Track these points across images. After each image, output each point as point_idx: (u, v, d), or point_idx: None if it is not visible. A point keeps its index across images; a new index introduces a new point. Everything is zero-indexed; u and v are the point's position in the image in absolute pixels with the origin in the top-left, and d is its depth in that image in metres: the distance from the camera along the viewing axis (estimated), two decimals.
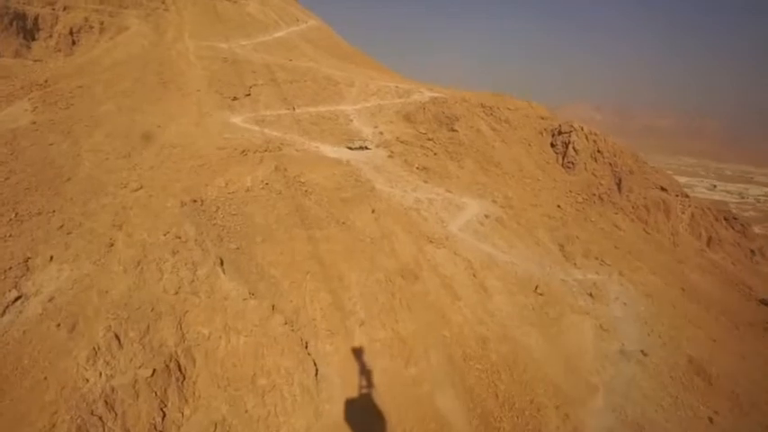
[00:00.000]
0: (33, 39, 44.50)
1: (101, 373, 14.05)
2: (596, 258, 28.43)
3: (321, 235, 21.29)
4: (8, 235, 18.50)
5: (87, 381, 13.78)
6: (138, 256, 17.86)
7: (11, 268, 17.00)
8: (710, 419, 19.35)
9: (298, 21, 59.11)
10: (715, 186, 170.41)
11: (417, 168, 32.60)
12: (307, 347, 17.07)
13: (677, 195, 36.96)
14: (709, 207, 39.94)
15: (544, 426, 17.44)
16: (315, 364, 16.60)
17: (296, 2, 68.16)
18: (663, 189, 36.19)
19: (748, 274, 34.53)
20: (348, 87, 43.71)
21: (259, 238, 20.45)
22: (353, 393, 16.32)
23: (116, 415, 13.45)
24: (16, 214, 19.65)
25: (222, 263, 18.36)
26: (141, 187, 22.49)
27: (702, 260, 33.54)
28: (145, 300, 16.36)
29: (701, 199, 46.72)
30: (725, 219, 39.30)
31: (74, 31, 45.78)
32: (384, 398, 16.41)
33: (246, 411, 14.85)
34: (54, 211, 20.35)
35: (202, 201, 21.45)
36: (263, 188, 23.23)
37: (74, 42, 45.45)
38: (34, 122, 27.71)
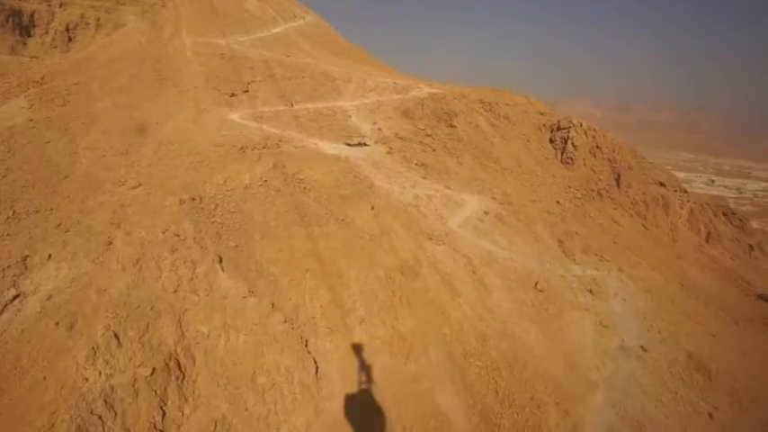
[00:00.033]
0: (29, 35, 44.33)
1: (100, 372, 13.99)
2: (595, 254, 28.45)
3: (320, 232, 21.21)
4: (6, 233, 18.42)
5: (87, 380, 13.72)
6: (136, 255, 17.76)
7: (9, 267, 16.93)
8: (710, 415, 19.38)
9: (295, 17, 58.85)
10: (713, 181, 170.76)
11: (416, 164, 32.52)
12: (306, 345, 17.03)
13: (676, 191, 37.00)
14: (707, 202, 39.99)
15: (544, 422, 17.45)
16: (315, 362, 16.58)
17: None
18: (662, 184, 36.22)
19: (747, 269, 34.61)
20: (346, 83, 43.57)
21: (258, 235, 20.37)
22: (353, 391, 16.30)
23: (116, 414, 13.41)
24: (14, 212, 19.55)
25: (221, 261, 18.28)
26: (139, 185, 22.37)
27: (701, 255, 33.59)
28: (144, 298, 16.28)
29: (700, 194, 46.74)
30: (723, 214, 39.36)
31: (70, 27, 45.62)
32: (384, 395, 16.39)
33: (246, 410, 14.82)
34: (52, 209, 20.25)
35: (201, 198, 21.34)
36: (261, 185, 23.12)
37: (70, 39, 45.29)
38: (31, 120, 27.54)
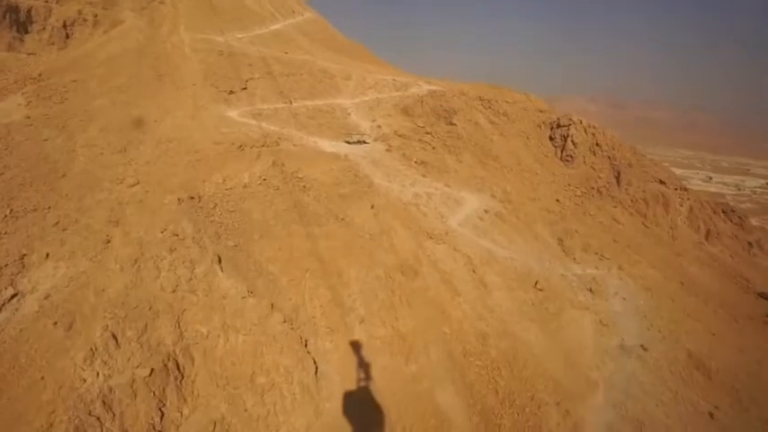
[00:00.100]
0: (26, 32, 44.05)
1: (98, 373, 13.89)
2: (595, 253, 28.40)
3: (320, 231, 21.11)
4: (3, 232, 18.29)
5: (85, 381, 13.63)
6: (134, 254, 17.64)
7: (7, 265, 16.83)
8: (711, 415, 19.37)
9: (294, 13, 58.54)
10: (711, 178, 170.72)
11: (416, 162, 32.40)
12: (306, 345, 16.95)
13: (676, 188, 36.93)
14: (707, 200, 39.95)
15: (545, 422, 17.41)
16: (314, 362, 16.50)
17: None
18: (661, 182, 36.15)
19: (746, 266, 34.56)
20: (345, 81, 43.37)
21: (257, 234, 20.27)
22: (353, 391, 16.23)
23: (114, 415, 13.32)
24: (11, 210, 19.41)
25: (220, 260, 18.17)
26: (137, 183, 22.22)
27: (701, 253, 33.54)
28: (142, 298, 16.17)
29: (699, 192, 46.70)
30: (723, 211, 39.32)
31: (67, 24, 45.35)
32: (384, 395, 16.34)
33: (246, 410, 14.75)
34: (49, 208, 20.11)
35: (200, 197, 21.22)
36: (260, 184, 22.99)
37: (67, 35, 45.03)
38: (28, 117, 27.36)
